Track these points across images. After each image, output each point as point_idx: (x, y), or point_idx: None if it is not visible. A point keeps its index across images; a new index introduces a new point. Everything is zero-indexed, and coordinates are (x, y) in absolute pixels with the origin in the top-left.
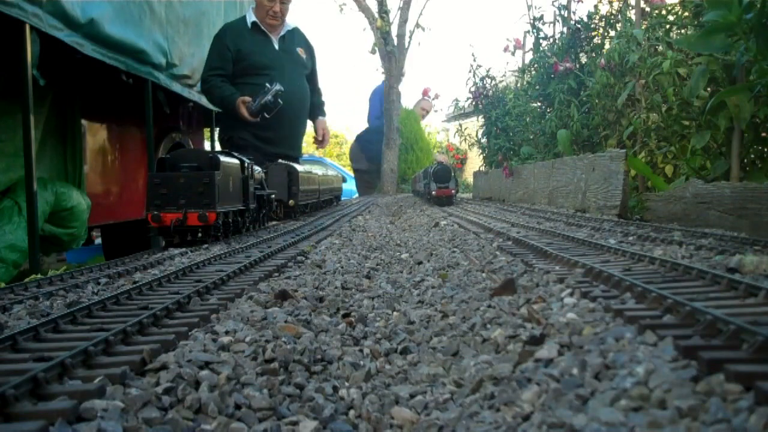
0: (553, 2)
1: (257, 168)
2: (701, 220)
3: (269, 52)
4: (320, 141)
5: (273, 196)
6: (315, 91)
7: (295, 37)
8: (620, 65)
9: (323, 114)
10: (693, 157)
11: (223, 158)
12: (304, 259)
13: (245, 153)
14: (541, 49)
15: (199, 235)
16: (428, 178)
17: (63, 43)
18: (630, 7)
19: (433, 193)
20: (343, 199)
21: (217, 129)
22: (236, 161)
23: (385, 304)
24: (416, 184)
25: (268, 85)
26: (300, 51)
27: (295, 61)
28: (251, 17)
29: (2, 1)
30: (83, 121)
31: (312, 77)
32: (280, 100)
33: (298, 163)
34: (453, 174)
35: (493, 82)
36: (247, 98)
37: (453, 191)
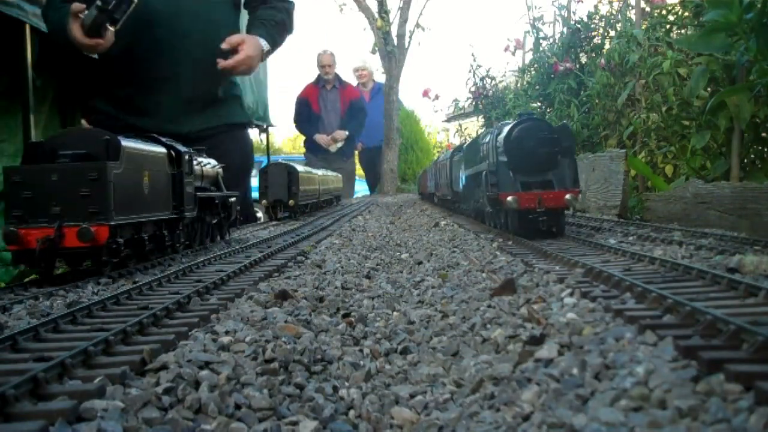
0: (553, 2)
1: (206, 160)
2: (701, 220)
3: None
4: (222, 52)
5: (233, 199)
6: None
7: None
8: (620, 65)
9: (263, 35)
10: (693, 157)
11: (128, 142)
12: (304, 259)
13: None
14: (541, 49)
15: (86, 263)
16: (492, 157)
17: None
18: (630, 7)
19: (510, 200)
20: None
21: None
22: (157, 149)
23: (385, 304)
24: (430, 181)
25: None
26: None
27: None
28: None
29: (2, 1)
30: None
31: None
32: None
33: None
34: (570, 149)
35: (493, 82)
36: (81, 6)
37: (571, 197)
